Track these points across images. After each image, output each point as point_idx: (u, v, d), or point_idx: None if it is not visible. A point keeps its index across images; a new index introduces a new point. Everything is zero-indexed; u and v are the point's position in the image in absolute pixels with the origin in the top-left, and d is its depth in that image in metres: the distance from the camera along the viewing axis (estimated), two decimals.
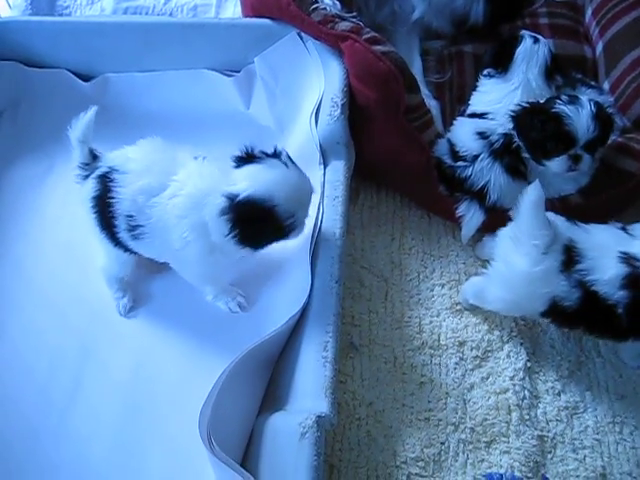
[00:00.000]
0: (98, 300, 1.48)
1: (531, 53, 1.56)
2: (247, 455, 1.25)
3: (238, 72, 1.75)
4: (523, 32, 1.61)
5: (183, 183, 1.28)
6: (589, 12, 1.83)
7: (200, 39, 1.71)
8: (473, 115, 1.59)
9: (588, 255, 1.26)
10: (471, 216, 1.54)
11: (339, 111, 1.47)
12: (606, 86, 1.68)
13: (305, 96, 1.59)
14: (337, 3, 1.60)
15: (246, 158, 1.29)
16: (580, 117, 1.39)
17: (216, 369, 1.24)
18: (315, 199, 1.40)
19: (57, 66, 1.77)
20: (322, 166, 1.49)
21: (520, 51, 1.56)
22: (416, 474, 1.30)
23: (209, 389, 1.21)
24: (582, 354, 1.46)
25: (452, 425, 1.36)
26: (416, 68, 1.76)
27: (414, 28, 1.84)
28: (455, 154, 1.56)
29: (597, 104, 1.40)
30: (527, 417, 1.37)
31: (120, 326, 1.45)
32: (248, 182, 1.23)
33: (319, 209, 1.42)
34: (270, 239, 1.30)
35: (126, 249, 1.38)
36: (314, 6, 1.57)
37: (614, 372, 1.44)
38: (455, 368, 1.43)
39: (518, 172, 1.50)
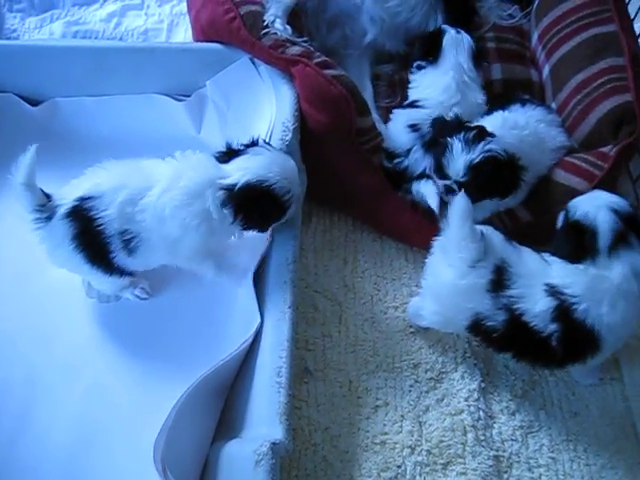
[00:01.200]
0: (47, 328, 1.45)
1: (457, 41, 1.68)
2: None
3: (189, 96, 1.74)
4: (444, 26, 1.73)
5: (173, 178, 1.31)
6: (535, 37, 1.86)
7: (151, 63, 1.70)
8: (408, 106, 1.67)
9: (519, 282, 1.27)
10: (428, 188, 1.55)
11: (291, 135, 1.47)
12: (553, 108, 1.71)
13: (257, 120, 1.59)
14: (288, 28, 1.61)
15: (229, 153, 1.35)
16: (457, 159, 1.44)
17: (170, 397, 1.22)
18: None
19: (4, 90, 1.75)
20: None
21: (447, 40, 1.68)
22: None
23: (162, 417, 1.19)
24: (535, 373, 1.47)
25: (408, 448, 1.35)
26: (367, 93, 1.77)
27: (366, 52, 1.85)
28: (390, 155, 1.61)
29: (491, 159, 1.42)
30: (483, 438, 1.37)
31: (70, 355, 1.42)
32: (241, 172, 1.30)
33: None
34: (273, 217, 1.36)
35: (122, 273, 1.38)
36: (265, 31, 1.58)
37: (567, 390, 1.46)
38: (410, 390, 1.42)
39: None
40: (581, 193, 1.52)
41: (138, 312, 1.47)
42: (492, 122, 1.54)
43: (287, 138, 1.47)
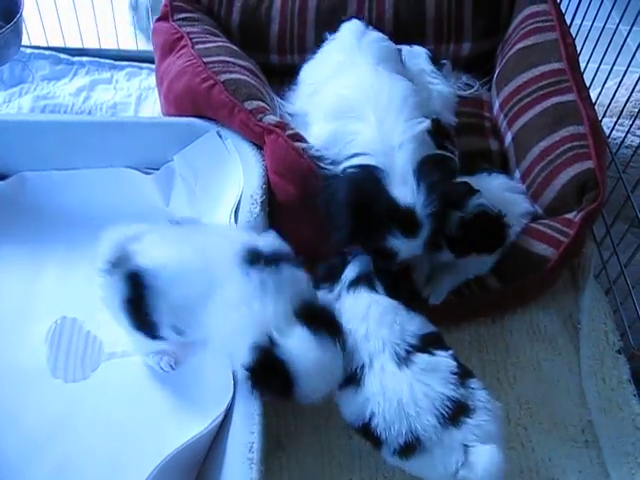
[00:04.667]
0: (9, 409, 1.41)
1: (413, 53, 1.78)
2: None
3: (158, 170, 1.75)
4: (399, 46, 1.77)
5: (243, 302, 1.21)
6: (496, 105, 1.91)
7: (119, 137, 1.71)
8: None
9: None
10: None
11: (259, 208, 1.48)
12: (517, 175, 1.75)
13: (224, 193, 1.60)
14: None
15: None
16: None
17: (140, 473, 1.19)
18: None
19: None
20: None
21: (404, 54, 1.74)
22: None
23: None
24: (512, 439, 1.45)
25: None
26: None
27: None
28: None
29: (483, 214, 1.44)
30: None
31: (35, 435, 1.37)
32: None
33: None
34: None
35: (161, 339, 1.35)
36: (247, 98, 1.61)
37: (543, 455, 1.44)
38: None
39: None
40: (548, 259, 1.55)
41: (105, 389, 1.44)
42: None
43: (255, 211, 1.47)
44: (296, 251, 1.57)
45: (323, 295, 1.35)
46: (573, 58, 1.79)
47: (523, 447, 1.45)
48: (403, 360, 1.22)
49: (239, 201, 1.52)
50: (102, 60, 2.26)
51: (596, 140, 1.62)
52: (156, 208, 1.75)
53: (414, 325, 1.27)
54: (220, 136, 1.64)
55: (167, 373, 1.46)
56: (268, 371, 1.18)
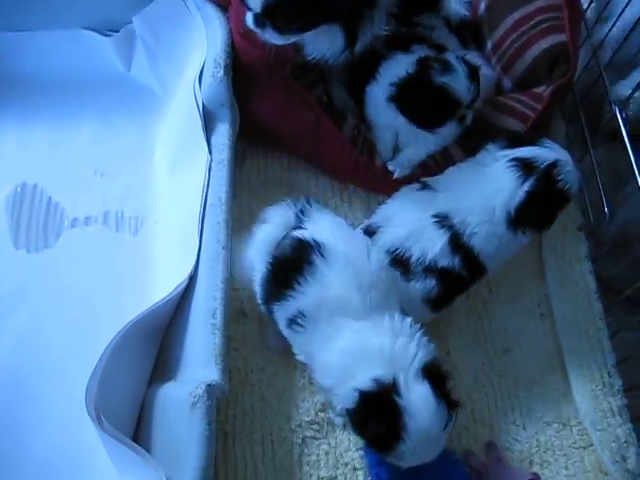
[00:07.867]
0: None
1: None
2: (138, 428, 1.23)
3: (118, 32, 1.67)
4: None
5: None
6: None
7: None
8: None
9: None
10: None
11: (222, 72, 1.42)
12: (489, 46, 1.69)
13: (187, 56, 1.54)
14: None
15: None
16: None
17: (102, 342, 1.19)
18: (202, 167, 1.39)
19: None
20: (204, 131, 1.45)
21: None
22: (311, 437, 1.31)
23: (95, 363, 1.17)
24: (469, 312, 1.49)
25: None
26: None
27: None
28: None
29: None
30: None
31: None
32: None
33: (207, 176, 1.39)
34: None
35: None
36: None
37: (499, 327, 1.49)
38: None
39: None
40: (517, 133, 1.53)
41: (68, 257, 1.44)
42: None
43: (218, 75, 1.41)
44: (264, 123, 1.55)
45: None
46: None
47: (480, 319, 1.49)
48: None
49: (203, 66, 1.47)
50: None
51: (572, 12, 1.57)
52: (117, 72, 1.69)
53: None
54: None
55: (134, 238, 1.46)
56: (380, 410, 1.11)
